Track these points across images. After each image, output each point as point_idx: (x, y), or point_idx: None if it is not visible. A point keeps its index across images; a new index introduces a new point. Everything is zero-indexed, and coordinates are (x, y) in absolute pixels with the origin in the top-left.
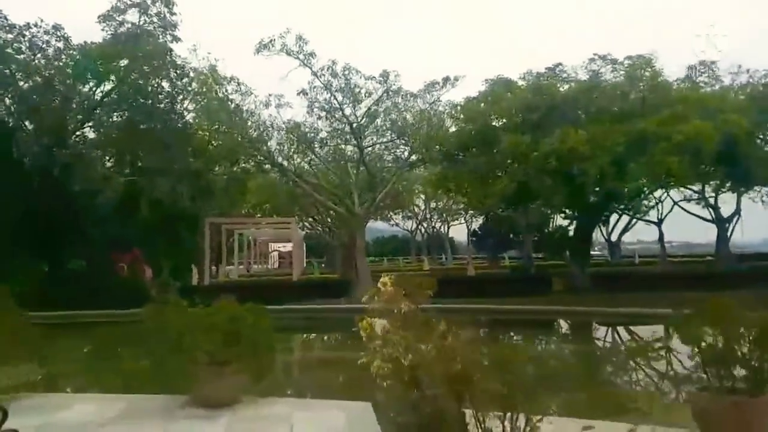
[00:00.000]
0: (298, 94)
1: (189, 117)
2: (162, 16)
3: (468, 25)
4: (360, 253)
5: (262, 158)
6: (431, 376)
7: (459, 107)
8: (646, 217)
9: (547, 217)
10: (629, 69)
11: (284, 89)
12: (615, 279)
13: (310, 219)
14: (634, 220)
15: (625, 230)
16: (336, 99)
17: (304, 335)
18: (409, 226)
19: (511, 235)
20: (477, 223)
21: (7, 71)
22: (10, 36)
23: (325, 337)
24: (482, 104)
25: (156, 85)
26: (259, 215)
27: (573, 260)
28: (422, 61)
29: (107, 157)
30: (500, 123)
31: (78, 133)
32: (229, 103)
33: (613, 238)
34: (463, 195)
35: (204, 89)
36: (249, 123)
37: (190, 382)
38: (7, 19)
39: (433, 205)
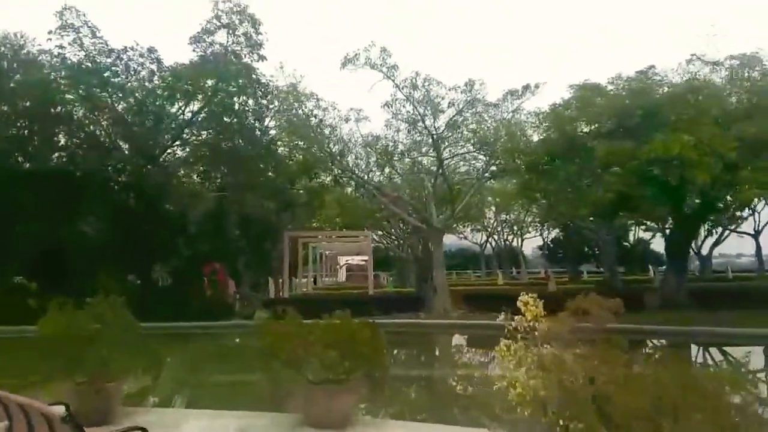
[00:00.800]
0: (383, 106)
1: (272, 133)
2: (248, 35)
3: (544, 34)
4: (438, 266)
5: (339, 172)
6: (618, 409)
7: (542, 115)
8: (740, 229)
9: (627, 229)
10: (732, 69)
11: (364, 103)
12: (710, 295)
13: (379, 232)
14: (727, 231)
15: (717, 243)
16: (417, 110)
17: (394, 351)
18: (477, 239)
19: (586, 248)
20: (551, 236)
21: (104, 94)
22: (108, 60)
23: (414, 353)
24: (567, 110)
25: (242, 103)
26: (328, 228)
27: (668, 275)
28: (499, 70)
29: (195, 175)
30: (589, 129)
31: (168, 151)
32: (312, 119)
33: (703, 251)
34: (539, 207)
35: (285, 107)
36: (329, 138)
37: (300, 400)
38: (107, 45)
39: (503, 217)
